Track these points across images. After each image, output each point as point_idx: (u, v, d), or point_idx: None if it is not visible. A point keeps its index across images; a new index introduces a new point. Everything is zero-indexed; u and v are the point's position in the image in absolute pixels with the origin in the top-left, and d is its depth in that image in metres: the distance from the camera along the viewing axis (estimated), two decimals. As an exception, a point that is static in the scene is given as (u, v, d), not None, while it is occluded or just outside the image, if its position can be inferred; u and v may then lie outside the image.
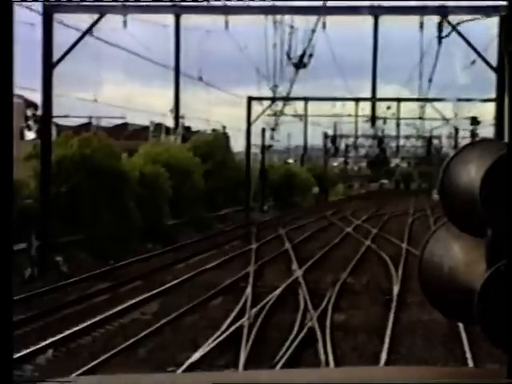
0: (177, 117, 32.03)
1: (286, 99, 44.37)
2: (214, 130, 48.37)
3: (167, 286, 18.38)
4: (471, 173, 2.38)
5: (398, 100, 44.38)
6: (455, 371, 3.02)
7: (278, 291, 17.56)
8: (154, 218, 31.34)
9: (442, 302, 2.56)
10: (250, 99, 44.19)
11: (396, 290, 17.92)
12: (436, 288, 2.56)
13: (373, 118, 35.64)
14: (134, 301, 16.47)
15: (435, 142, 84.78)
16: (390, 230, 36.41)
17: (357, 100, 44.40)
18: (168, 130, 60.45)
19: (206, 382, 2.53)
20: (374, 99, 32.95)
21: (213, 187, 43.12)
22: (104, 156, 27.68)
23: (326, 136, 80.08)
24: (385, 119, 48.36)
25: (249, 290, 17.64)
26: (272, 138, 48.77)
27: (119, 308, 15.71)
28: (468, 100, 41.79)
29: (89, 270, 21.02)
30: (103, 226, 26.76)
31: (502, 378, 2.24)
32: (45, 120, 25.06)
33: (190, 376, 3.83)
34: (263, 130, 48.32)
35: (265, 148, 48.34)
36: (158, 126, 52.86)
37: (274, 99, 43.48)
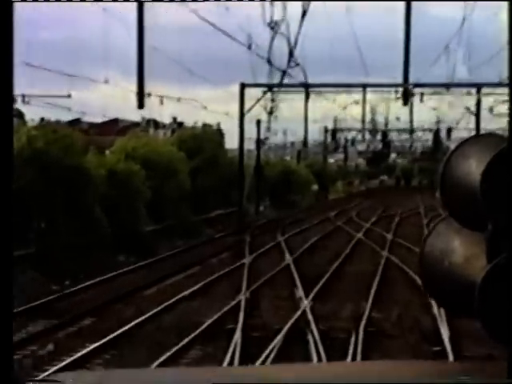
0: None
1: (283, 86, 39.18)
2: (205, 125, 42.91)
3: (123, 329, 13.06)
4: (472, 167, 2.38)
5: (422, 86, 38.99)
6: (455, 368, 2.98)
7: (279, 337, 12.32)
8: (128, 225, 26.15)
9: (443, 296, 2.58)
10: (243, 86, 38.90)
11: (445, 333, 12.65)
12: (437, 282, 2.56)
13: (405, 95, 31.09)
14: (67, 360, 11.19)
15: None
16: (407, 235, 31.15)
17: (364, 87, 39.15)
18: (157, 125, 56.34)
19: (206, 376, 2.55)
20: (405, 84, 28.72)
21: (201, 186, 37.94)
22: (61, 151, 22.45)
23: (326, 130, 74.71)
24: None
25: (238, 336, 12.41)
26: (269, 129, 43.52)
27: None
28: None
29: (30, 299, 15.76)
30: (60, 235, 21.61)
31: (502, 374, 2.21)
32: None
33: (189, 371, 3.82)
34: (258, 122, 43.07)
35: (260, 141, 43.07)
36: (151, 122, 50.48)
37: (269, 86, 38.33)
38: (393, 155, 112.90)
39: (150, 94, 27.39)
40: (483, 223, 2.34)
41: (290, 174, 57.50)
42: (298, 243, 27.11)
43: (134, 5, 23.75)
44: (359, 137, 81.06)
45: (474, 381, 2.38)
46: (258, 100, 38.85)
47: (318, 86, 39.74)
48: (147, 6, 23.59)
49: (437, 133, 76.91)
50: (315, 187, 73.70)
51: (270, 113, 40.32)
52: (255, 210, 42.55)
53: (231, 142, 48.66)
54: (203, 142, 38.68)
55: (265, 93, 39.07)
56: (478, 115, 42.23)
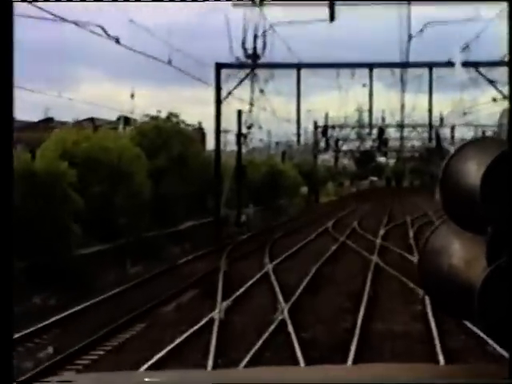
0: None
1: (270, 66, 31.33)
2: (172, 116, 34.57)
3: None
4: (472, 170, 2.37)
5: (431, 66, 31.23)
6: (456, 369, 2.98)
7: None
8: (50, 247, 18.23)
9: (443, 299, 2.54)
10: (219, 66, 31.03)
11: None
12: (437, 285, 2.54)
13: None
14: None
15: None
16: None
17: (371, 66, 31.28)
18: (128, 121, 49.96)
19: (206, 379, 2.55)
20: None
21: (167, 192, 30.01)
22: None
23: (316, 126, 66.79)
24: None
25: None
26: (250, 126, 35.56)
27: None
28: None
29: None
30: None
31: (503, 376, 2.19)
32: None
33: (189, 373, 3.62)
34: (239, 113, 35.13)
35: (241, 136, 35.09)
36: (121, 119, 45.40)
37: (251, 66, 30.56)
38: (379, 154, 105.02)
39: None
40: (483, 226, 2.30)
41: (276, 175, 49.77)
42: (294, 274, 19.25)
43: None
44: (352, 134, 73.42)
45: (474, 381, 2.32)
46: (241, 81, 31.01)
47: (313, 67, 31.85)
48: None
49: (436, 130, 69.02)
50: (304, 189, 66.24)
51: (251, 104, 32.50)
52: (236, 220, 34.58)
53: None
54: (169, 136, 30.62)
55: (246, 75, 31.29)
56: (430, 95, 34.32)
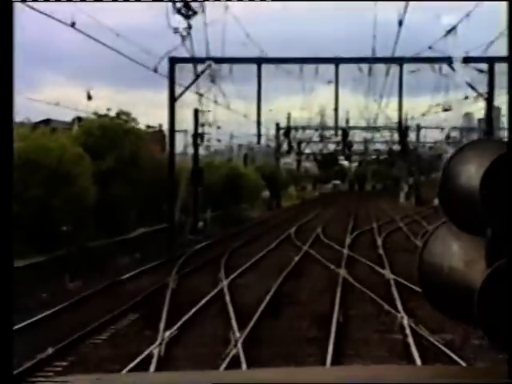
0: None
1: (230, 61, 29.03)
2: (122, 114, 31.92)
3: None
4: (471, 172, 2.37)
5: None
6: (456, 370, 3.03)
7: None
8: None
9: (442, 301, 2.52)
10: (173, 61, 28.59)
11: None
12: (436, 287, 2.51)
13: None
14: None
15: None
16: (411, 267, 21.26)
17: (337, 62, 28.93)
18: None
19: (206, 380, 2.48)
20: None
21: (116, 197, 27.51)
22: None
23: (278, 128, 64.59)
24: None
25: None
26: (204, 125, 33.22)
27: None
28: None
29: None
30: None
31: (502, 377, 2.18)
32: None
33: (188, 374, 3.53)
34: (196, 112, 32.72)
35: (198, 136, 32.62)
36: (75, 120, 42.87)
37: (207, 60, 28.24)
38: (341, 157, 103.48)
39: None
40: (483, 228, 2.29)
41: (237, 178, 47.48)
42: (252, 292, 16.93)
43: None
44: (316, 136, 71.39)
45: (474, 382, 2.31)
46: (198, 77, 28.63)
47: (277, 62, 29.56)
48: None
49: (403, 131, 67.33)
50: (266, 193, 64.08)
51: (200, 95, 30.05)
52: (190, 227, 32.13)
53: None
54: (118, 135, 28.06)
55: (202, 72, 28.96)
56: (400, 90, 32.26)
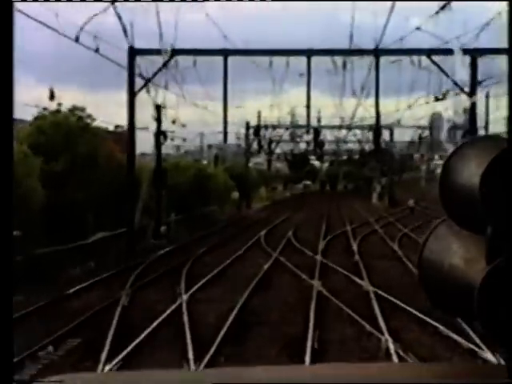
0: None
1: (193, 52, 26.99)
2: (76, 109, 29.50)
3: None
4: (471, 170, 2.33)
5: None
6: (456, 369, 2.81)
7: None
8: None
9: (442, 299, 2.48)
10: (133, 51, 26.44)
11: None
12: (436, 285, 2.48)
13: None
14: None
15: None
16: (388, 274, 19.38)
17: (309, 55, 27.01)
18: None
19: (205, 378, 2.46)
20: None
21: (71, 199, 25.31)
22: None
23: (248, 127, 62.62)
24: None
25: None
26: (173, 121, 31.13)
27: None
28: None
29: None
30: None
31: (502, 375, 2.15)
32: None
33: (189, 374, 3.58)
34: (158, 108, 30.59)
35: (160, 134, 30.49)
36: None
37: (171, 52, 26.17)
38: (312, 157, 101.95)
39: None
40: (482, 225, 2.25)
41: (205, 179, 45.37)
42: (214, 309, 14.88)
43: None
44: (286, 135, 69.56)
45: (474, 381, 2.27)
46: (159, 69, 26.54)
47: (244, 54, 27.53)
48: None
49: (377, 130, 65.73)
50: (236, 194, 62.06)
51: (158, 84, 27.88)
52: (153, 232, 30.00)
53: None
54: (73, 133, 25.82)
55: (166, 62, 26.87)
56: (377, 86, 30.50)
